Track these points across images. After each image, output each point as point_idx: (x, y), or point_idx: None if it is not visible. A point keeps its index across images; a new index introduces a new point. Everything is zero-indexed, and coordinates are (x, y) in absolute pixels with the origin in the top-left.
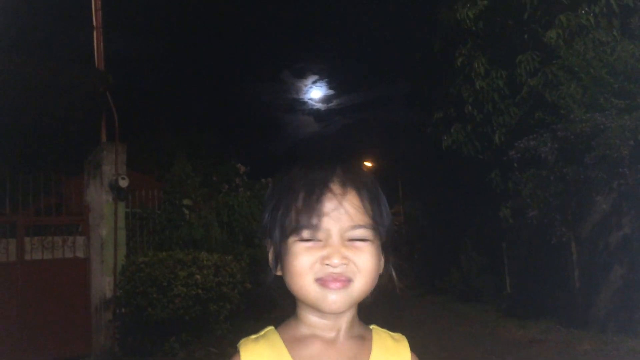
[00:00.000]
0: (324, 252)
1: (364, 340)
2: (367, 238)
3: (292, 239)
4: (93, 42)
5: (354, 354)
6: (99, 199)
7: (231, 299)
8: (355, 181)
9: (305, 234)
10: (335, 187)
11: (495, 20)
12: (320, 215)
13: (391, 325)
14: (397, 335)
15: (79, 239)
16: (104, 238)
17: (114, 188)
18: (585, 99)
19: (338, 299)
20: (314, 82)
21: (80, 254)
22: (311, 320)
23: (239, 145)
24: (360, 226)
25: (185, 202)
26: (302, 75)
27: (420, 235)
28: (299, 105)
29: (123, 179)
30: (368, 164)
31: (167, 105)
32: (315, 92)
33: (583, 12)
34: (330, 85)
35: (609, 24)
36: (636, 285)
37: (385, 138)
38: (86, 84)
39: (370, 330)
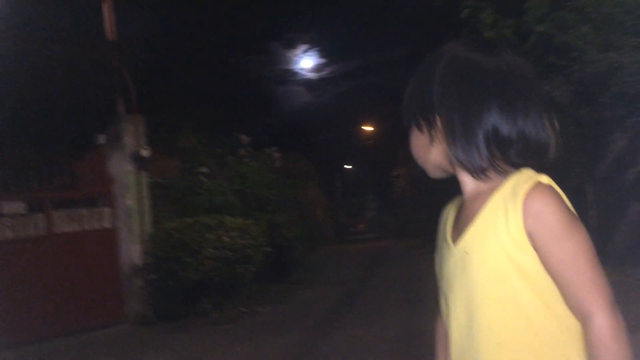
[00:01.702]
0: None
1: (488, 195)
2: None
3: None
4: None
5: (471, 213)
6: (122, 169)
7: (255, 261)
8: None
9: None
10: None
11: None
12: None
13: (387, 276)
14: (525, 185)
15: (105, 210)
16: (130, 207)
17: (136, 158)
18: (598, 40)
19: None
20: (305, 52)
21: (107, 225)
22: None
23: (238, 118)
24: None
25: (202, 169)
26: (291, 45)
27: (424, 194)
28: (290, 76)
29: (145, 149)
30: (368, 128)
31: (167, 81)
32: (306, 62)
33: None
34: (323, 54)
35: None
36: None
37: (383, 103)
38: (99, 57)
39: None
